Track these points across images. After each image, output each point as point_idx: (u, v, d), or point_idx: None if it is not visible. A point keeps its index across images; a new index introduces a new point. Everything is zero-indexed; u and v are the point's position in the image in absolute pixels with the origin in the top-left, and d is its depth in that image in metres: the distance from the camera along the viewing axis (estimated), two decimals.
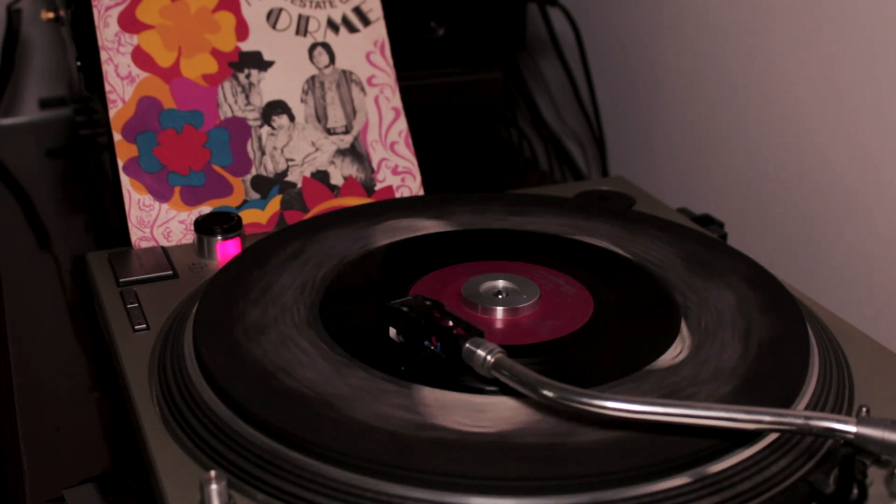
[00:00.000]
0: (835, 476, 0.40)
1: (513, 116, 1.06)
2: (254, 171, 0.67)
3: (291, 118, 0.68)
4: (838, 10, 0.71)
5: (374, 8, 0.72)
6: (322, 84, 0.70)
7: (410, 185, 0.70)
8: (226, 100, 0.67)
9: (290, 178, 0.67)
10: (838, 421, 0.39)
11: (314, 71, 0.70)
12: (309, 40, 0.70)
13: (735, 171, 0.84)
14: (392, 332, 0.49)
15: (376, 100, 0.70)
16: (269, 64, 0.69)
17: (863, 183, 0.71)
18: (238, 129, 0.67)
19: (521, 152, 1.05)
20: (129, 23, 0.66)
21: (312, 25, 0.70)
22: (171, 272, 0.60)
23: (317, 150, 0.68)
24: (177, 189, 0.65)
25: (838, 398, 0.47)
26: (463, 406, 0.44)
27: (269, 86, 0.68)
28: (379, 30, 0.71)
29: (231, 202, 0.66)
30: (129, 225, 0.64)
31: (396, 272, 0.57)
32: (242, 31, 0.69)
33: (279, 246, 0.59)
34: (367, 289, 0.56)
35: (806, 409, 0.46)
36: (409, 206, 0.65)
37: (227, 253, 0.62)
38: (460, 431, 0.42)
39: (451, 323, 0.46)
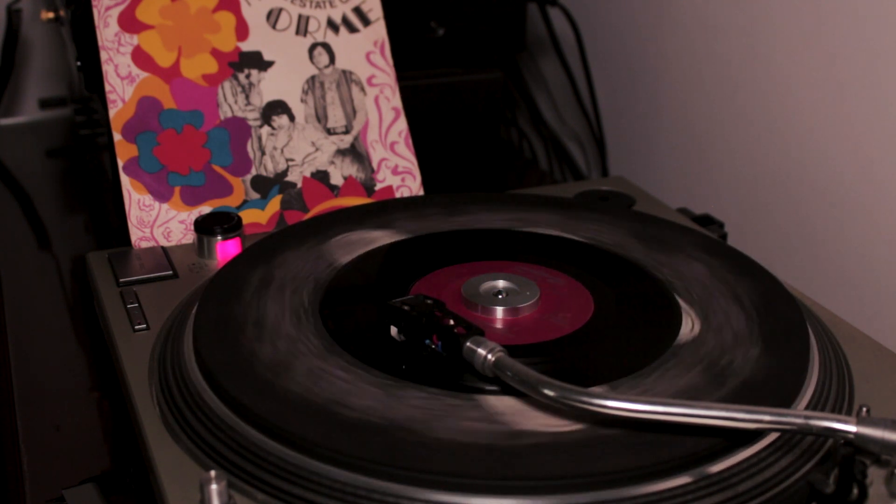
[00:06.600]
0: (835, 476, 0.40)
1: (513, 116, 1.06)
2: (254, 171, 0.67)
3: (291, 118, 0.68)
4: (838, 10, 0.71)
5: (374, 8, 0.72)
6: (322, 84, 0.70)
7: (410, 185, 0.70)
8: (226, 100, 0.67)
9: (290, 178, 0.67)
10: (838, 421, 0.39)
11: (314, 71, 0.70)
12: (309, 40, 0.70)
13: (735, 171, 0.84)
14: (393, 330, 0.49)
15: (376, 100, 0.70)
16: (269, 64, 0.69)
17: (863, 183, 0.71)
18: (238, 129, 0.67)
19: (521, 152, 1.05)
20: (129, 23, 0.66)
21: (312, 25, 0.70)
22: (171, 272, 0.60)
23: (317, 150, 0.68)
24: (177, 189, 0.65)
25: (838, 398, 0.47)
26: (457, 405, 0.44)
27: (269, 86, 0.68)
28: (379, 30, 0.71)
29: (231, 202, 0.66)
30: (129, 225, 0.64)
31: (397, 272, 0.57)
32: (242, 31, 0.69)
33: (279, 246, 0.59)
34: (367, 288, 0.56)
35: (806, 409, 0.46)
36: (409, 206, 0.65)
37: (227, 253, 0.62)
38: (455, 429, 0.42)
39: (452, 322, 0.46)
